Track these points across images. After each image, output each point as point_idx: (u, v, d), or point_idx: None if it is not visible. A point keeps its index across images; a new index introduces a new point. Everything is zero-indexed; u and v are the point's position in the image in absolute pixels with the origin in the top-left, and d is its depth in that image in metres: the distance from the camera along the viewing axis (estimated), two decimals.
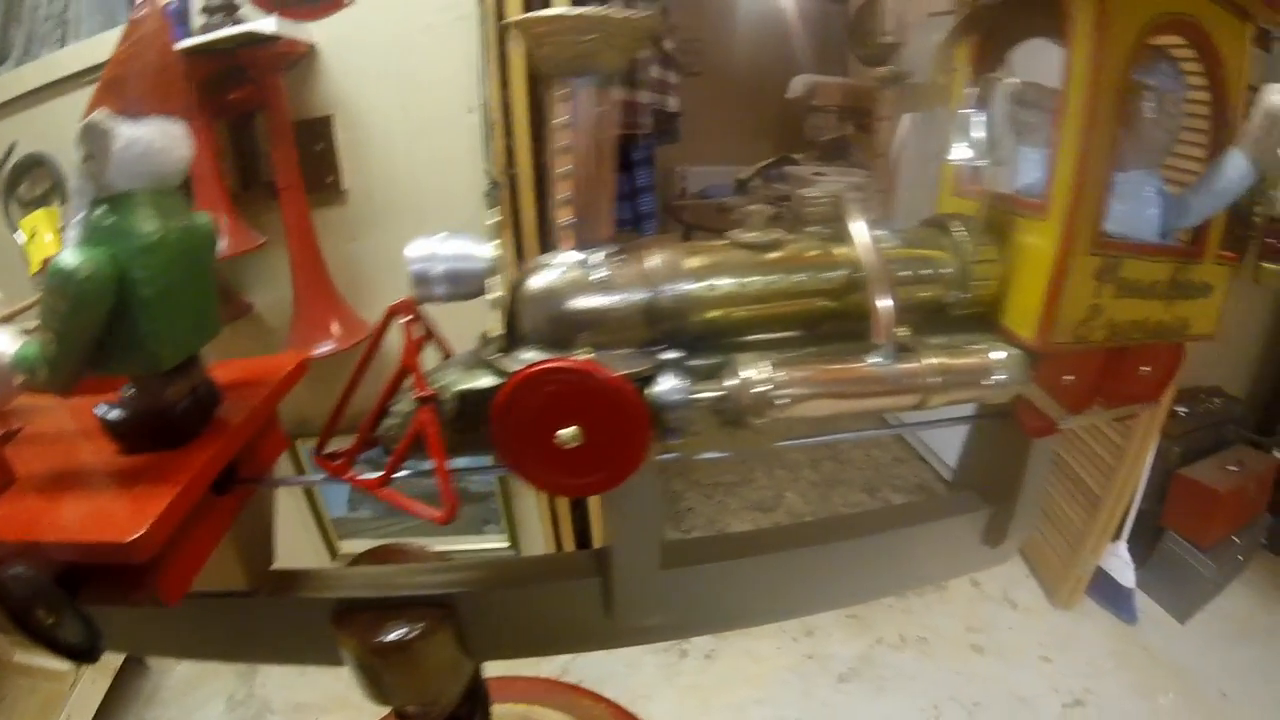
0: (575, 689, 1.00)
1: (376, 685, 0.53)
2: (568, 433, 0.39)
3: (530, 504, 1.63)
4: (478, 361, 0.44)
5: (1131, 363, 0.53)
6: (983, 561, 0.67)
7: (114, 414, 0.47)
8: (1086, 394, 0.53)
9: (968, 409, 0.59)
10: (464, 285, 0.43)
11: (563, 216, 0.42)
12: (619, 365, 0.39)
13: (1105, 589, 1.98)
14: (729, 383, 0.39)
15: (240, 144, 1.52)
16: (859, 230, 0.42)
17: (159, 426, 0.47)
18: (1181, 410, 1.99)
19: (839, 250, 0.44)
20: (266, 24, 1.33)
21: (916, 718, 1.69)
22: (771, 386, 0.39)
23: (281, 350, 1.53)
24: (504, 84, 1.37)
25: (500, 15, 1.36)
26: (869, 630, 1.91)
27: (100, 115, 0.40)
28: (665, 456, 0.47)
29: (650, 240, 0.43)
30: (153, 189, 0.43)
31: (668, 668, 1.79)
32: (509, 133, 1.39)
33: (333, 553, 1.82)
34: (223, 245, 1.40)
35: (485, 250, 0.42)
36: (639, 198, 1.90)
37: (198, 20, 1.43)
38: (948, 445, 2.48)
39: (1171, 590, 2.00)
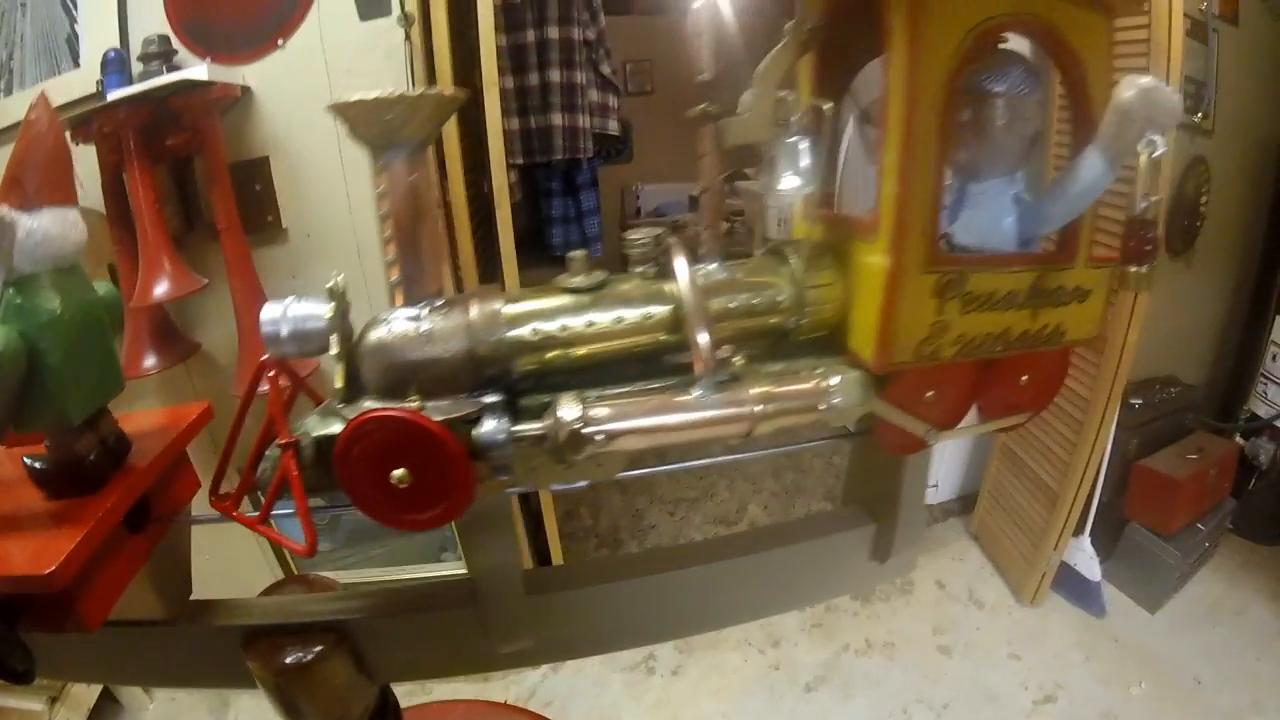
0: (517, 710, 1.03)
1: (286, 705, 0.56)
2: (398, 474, 0.42)
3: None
4: (331, 410, 0.48)
5: (1008, 373, 0.53)
6: (873, 577, 0.68)
7: (38, 464, 0.52)
8: (956, 408, 0.53)
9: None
10: (310, 343, 0.46)
11: (392, 275, 0.46)
12: (441, 411, 0.43)
13: (1071, 583, 2.02)
14: (546, 421, 0.43)
15: (182, 187, 1.56)
16: (679, 267, 0.44)
17: (74, 474, 0.52)
18: (1136, 401, 2.03)
19: (668, 286, 0.46)
20: (199, 71, 1.38)
21: None
22: (583, 424, 0.42)
23: (230, 386, 1.57)
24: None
25: (428, 52, 1.41)
26: (835, 637, 1.94)
27: (3, 210, 0.45)
28: (514, 490, 0.50)
29: (475, 291, 0.46)
30: (54, 269, 0.48)
31: (635, 685, 1.82)
32: (442, 165, 1.43)
33: None
34: (165, 289, 1.44)
35: (325, 310, 0.46)
36: (585, 220, 1.96)
37: (137, 67, 1.49)
38: None
39: (1139, 580, 2.04)
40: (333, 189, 1.47)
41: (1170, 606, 2.03)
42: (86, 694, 1.76)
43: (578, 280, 0.46)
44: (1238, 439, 2.18)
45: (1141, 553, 2.01)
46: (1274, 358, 2.10)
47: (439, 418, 0.42)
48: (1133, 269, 0.45)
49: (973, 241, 0.50)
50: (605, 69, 1.96)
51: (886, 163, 0.43)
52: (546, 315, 0.45)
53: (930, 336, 0.45)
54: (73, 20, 1.56)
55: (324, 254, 1.50)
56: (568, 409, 0.42)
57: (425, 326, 0.45)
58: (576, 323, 0.45)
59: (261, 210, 1.51)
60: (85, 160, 1.51)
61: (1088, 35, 0.45)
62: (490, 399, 0.44)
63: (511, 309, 0.45)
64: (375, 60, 1.41)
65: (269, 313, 0.47)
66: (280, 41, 1.44)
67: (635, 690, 1.81)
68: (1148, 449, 2.05)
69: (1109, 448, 1.91)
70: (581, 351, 0.46)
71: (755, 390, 0.44)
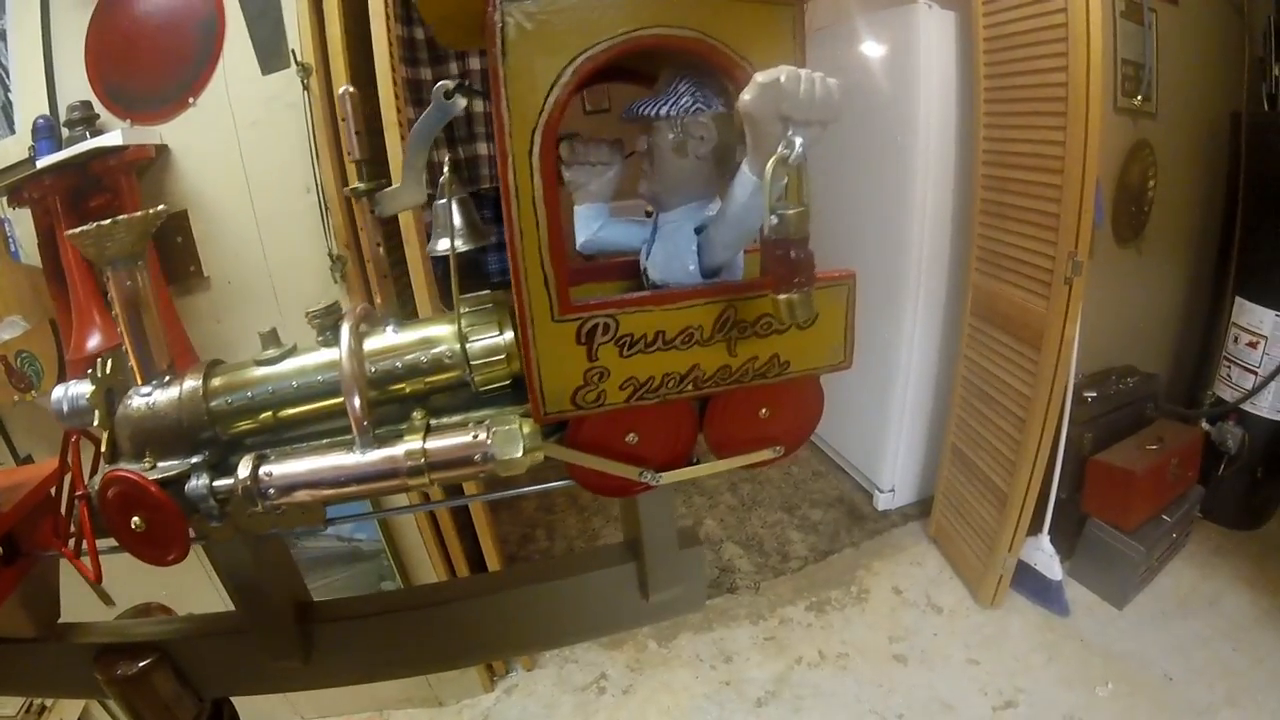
0: None
1: (130, 711, 0.68)
2: (135, 520, 0.54)
3: (421, 556, 1.77)
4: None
5: (737, 408, 0.53)
6: (643, 615, 0.72)
7: None
8: (676, 447, 0.54)
9: None
10: (83, 417, 0.58)
11: (129, 360, 0.57)
12: (160, 470, 0.54)
13: (1033, 584, 2.07)
14: (230, 480, 0.52)
15: None
16: (342, 336, 0.52)
17: None
18: (1090, 394, 2.08)
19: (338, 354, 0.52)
20: (114, 136, 1.52)
21: None
22: (252, 480, 0.51)
23: None
24: (341, 161, 1.55)
25: (329, 99, 1.53)
26: (787, 651, 2.02)
27: None
28: (278, 533, 0.61)
29: (192, 368, 0.57)
30: None
31: (585, 705, 1.91)
32: (350, 208, 1.56)
33: None
34: (97, 341, 1.59)
35: (86, 389, 0.57)
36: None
37: (65, 131, 1.63)
38: (870, 457, 2.61)
39: (1103, 577, 2.08)
40: (248, 237, 1.60)
41: (1139, 601, 2.07)
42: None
43: (267, 353, 0.56)
44: (1204, 425, 2.21)
45: (1103, 548, 2.06)
46: (1235, 340, 2.14)
47: (155, 476, 0.54)
48: (782, 296, 0.42)
49: (661, 277, 0.52)
50: None
51: (505, 210, 0.45)
52: (236, 387, 0.55)
53: (587, 384, 0.48)
54: (6, 89, 1.71)
55: (245, 299, 1.63)
56: (242, 467, 0.52)
57: (151, 401, 0.56)
58: (262, 392, 0.55)
59: (185, 260, 1.65)
60: (23, 223, 1.67)
61: (751, 31, 0.44)
62: (196, 459, 0.55)
63: (211, 383, 0.56)
64: (278, 111, 1.54)
65: (56, 393, 0.59)
66: (191, 100, 1.58)
67: (585, 711, 1.90)
68: (1106, 442, 2.10)
69: (1062, 444, 1.96)
70: (287, 413, 0.56)
71: (405, 448, 0.50)
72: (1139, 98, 2.10)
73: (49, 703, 1.88)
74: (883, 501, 2.54)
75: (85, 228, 0.53)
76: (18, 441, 1.85)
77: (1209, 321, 2.35)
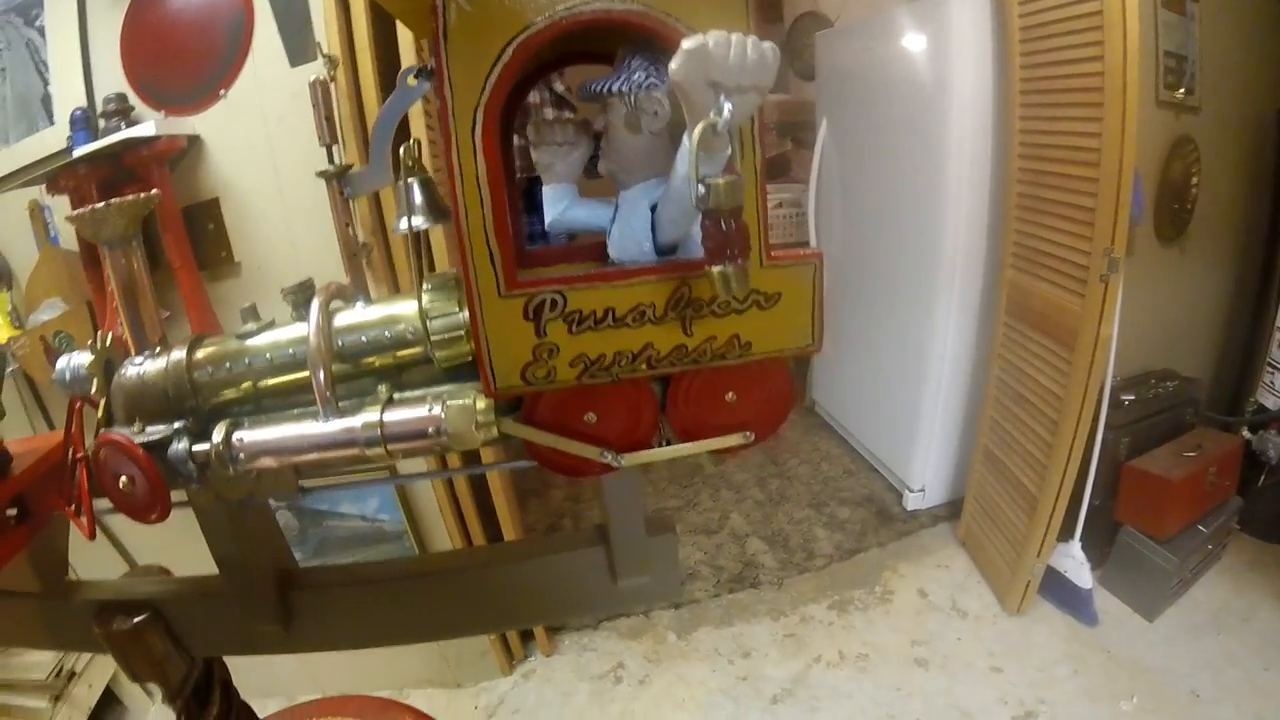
0: (405, 708, 1.15)
1: (126, 666, 0.72)
2: (123, 481, 0.56)
3: (444, 539, 1.80)
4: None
5: (702, 391, 0.52)
6: (613, 601, 0.72)
7: None
8: (637, 429, 0.53)
9: None
10: (83, 385, 0.61)
11: (124, 333, 0.60)
12: (144, 435, 0.56)
13: (1061, 591, 2.03)
14: (206, 444, 0.54)
15: (145, 232, 1.76)
16: (312, 311, 0.53)
17: None
18: (1128, 398, 2.03)
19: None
20: (147, 127, 1.58)
21: None
22: (223, 446, 0.53)
23: None
24: (366, 148, 1.58)
25: (357, 91, 1.56)
26: (806, 649, 2.01)
27: None
28: (255, 499, 0.63)
29: (180, 341, 0.59)
30: None
31: (601, 694, 1.94)
32: (376, 196, 1.59)
33: None
34: None
35: (86, 360, 0.60)
36: (552, 238, 2.10)
37: (101, 123, 1.70)
38: (901, 455, 2.58)
39: (1135, 587, 2.04)
40: (276, 224, 1.65)
41: (1170, 614, 2.02)
42: (87, 695, 1.98)
43: (246, 328, 0.59)
44: (1244, 433, 2.14)
45: (1136, 558, 2.01)
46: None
47: (140, 440, 0.56)
48: (715, 269, 0.41)
49: (618, 255, 0.52)
50: (558, 86, 2.10)
51: (450, 192, 0.46)
52: (216, 359, 0.57)
53: (536, 360, 0.48)
54: (46, 83, 1.78)
55: (275, 284, 1.65)
56: (216, 432, 0.54)
57: (142, 370, 0.59)
58: (239, 364, 0.57)
59: (216, 247, 1.71)
60: (61, 210, 1.74)
61: (699, 2, 0.43)
62: (179, 425, 0.57)
63: (194, 355, 0.58)
64: (306, 103, 1.57)
65: (60, 362, 0.63)
66: (222, 92, 1.63)
67: (601, 699, 1.92)
68: (1142, 447, 2.05)
69: (1097, 448, 1.92)
70: (263, 384, 0.58)
71: (363, 419, 0.52)
72: (1181, 91, 2.04)
73: (78, 668, 1.96)
74: (912, 501, 2.51)
75: (81, 211, 0.56)
76: (56, 417, 1.92)
77: (1253, 325, 2.27)
